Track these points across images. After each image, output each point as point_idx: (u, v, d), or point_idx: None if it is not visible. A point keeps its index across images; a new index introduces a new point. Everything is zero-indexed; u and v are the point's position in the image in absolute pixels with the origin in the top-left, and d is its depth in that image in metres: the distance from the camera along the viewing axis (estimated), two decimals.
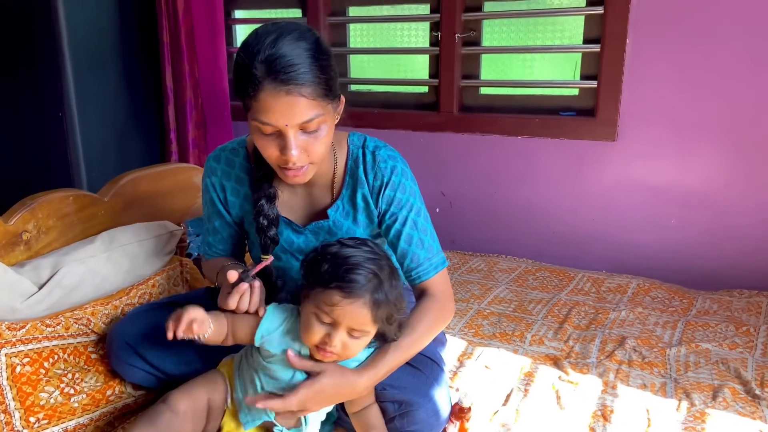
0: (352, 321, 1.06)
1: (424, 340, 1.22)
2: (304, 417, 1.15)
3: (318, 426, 1.20)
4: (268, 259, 1.18)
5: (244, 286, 1.12)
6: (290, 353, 1.11)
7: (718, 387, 1.40)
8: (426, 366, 1.24)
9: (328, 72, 1.09)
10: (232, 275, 1.11)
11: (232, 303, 1.11)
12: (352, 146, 1.27)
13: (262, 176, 1.23)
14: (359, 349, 1.12)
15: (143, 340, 1.31)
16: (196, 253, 2.36)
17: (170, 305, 1.38)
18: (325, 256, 1.09)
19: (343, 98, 1.17)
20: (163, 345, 1.30)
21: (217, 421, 1.18)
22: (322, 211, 1.28)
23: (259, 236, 1.24)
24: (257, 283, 1.14)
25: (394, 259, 1.26)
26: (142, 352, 1.31)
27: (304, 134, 1.09)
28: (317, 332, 1.07)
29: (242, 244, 1.42)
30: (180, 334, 1.09)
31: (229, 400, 1.19)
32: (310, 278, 1.10)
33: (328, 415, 1.25)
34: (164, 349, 1.31)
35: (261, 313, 1.15)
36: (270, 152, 1.12)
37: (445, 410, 1.22)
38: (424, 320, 1.20)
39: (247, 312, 1.14)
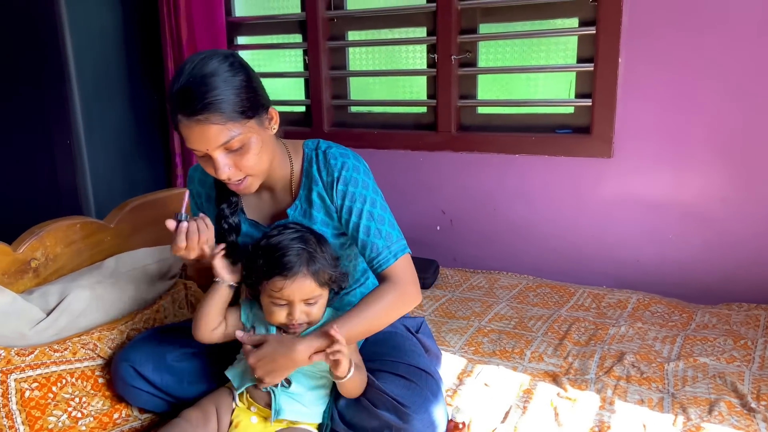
0: (302, 294, 1.21)
1: (377, 321, 1.27)
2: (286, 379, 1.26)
3: (303, 397, 1.27)
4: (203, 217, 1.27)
5: (183, 225, 1.21)
6: (238, 333, 1.27)
7: (715, 401, 1.41)
8: (421, 378, 1.27)
9: (242, 93, 1.15)
10: (170, 223, 1.21)
11: (180, 242, 1.21)
12: (307, 150, 1.34)
13: (225, 185, 1.29)
14: (322, 310, 1.27)
15: (147, 362, 1.35)
16: None
17: (174, 330, 1.43)
18: (257, 252, 1.23)
19: (271, 110, 1.24)
20: (167, 367, 1.35)
21: (226, 423, 1.27)
22: (283, 211, 1.36)
23: (221, 239, 1.32)
24: (200, 223, 1.23)
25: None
26: (146, 374, 1.34)
27: (230, 153, 1.18)
28: (280, 314, 1.23)
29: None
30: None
31: (236, 399, 1.28)
32: (254, 275, 1.25)
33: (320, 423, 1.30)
34: (168, 371, 1.35)
35: (206, 251, 1.25)
36: (209, 171, 1.21)
37: (441, 424, 1.25)
38: (377, 303, 1.26)
39: (201, 258, 1.26)
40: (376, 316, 1.26)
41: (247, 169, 1.20)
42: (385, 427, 1.21)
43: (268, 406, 1.25)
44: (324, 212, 1.33)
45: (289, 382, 1.25)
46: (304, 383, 1.27)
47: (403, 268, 1.30)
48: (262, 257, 1.21)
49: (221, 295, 1.27)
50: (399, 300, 1.29)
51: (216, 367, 1.37)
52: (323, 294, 1.25)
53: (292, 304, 1.21)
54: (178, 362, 1.36)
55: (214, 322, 1.28)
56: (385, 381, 1.24)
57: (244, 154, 1.18)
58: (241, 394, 1.29)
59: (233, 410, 1.28)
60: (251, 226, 1.38)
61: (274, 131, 1.26)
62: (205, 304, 1.27)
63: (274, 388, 1.25)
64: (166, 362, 1.35)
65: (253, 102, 1.17)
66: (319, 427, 1.30)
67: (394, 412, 1.20)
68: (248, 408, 1.27)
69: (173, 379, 1.36)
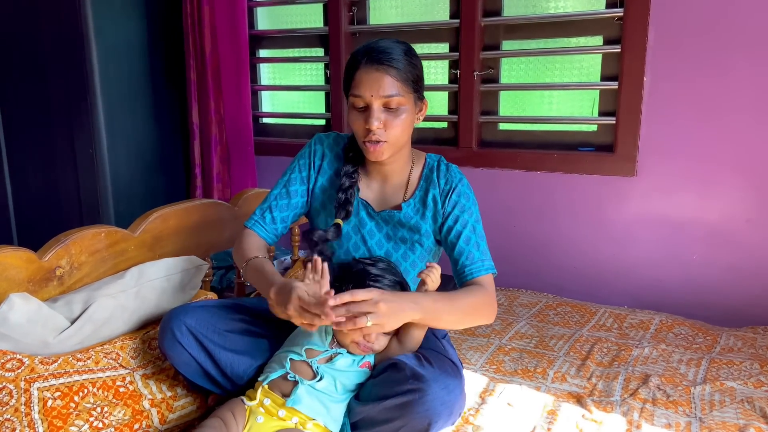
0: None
1: (466, 315, 1.36)
2: (317, 367, 1.30)
3: (331, 386, 1.30)
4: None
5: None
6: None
7: (744, 426, 1.38)
8: (441, 359, 1.33)
9: (414, 69, 1.37)
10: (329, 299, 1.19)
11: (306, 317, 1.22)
12: (429, 159, 1.52)
13: (354, 156, 1.48)
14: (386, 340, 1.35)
15: (200, 321, 1.37)
16: (219, 286, 2.40)
17: (230, 306, 1.46)
18: (349, 274, 1.35)
19: (426, 101, 1.44)
20: (217, 330, 1.38)
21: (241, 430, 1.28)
22: (397, 204, 1.49)
23: (336, 206, 1.45)
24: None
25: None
26: (196, 332, 1.35)
27: (385, 111, 1.35)
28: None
29: (290, 222, 1.55)
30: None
31: (246, 402, 1.30)
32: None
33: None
34: (218, 333, 1.37)
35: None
36: (358, 125, 1.37)
37: (459, 398, 1.25)
38: (470, 298, 1.36)
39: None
40: (465, 310, 1.35)
41: (390, 133, 1.35)
42: (401, 393, 1.19)
43: (287, 397, 1.27)
44: (432, 215, 1.47)
45: (321, 377, 1.29)
46: (335, 386, 1.29)
47: (491, 283, 1.43)
48: (352, 279, 1.32)
49: None
50: (486, 306, 1.38)
51: (263, 346, 1.41)
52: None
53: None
54: (231, 331, 1.39)
55: None
56: (407, 357, 1.28)
57: (395, 118, 1.35)
58: (253, 392, 1.31)
59: (246, 418, 1.29)
60: (362, 206, 1.49)
61: (419, 121, 1.44)
62: None
63: (300, 379, 1.28)
64: (219, 327, 1.38)
65: (418, 82, 1.38)
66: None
67: (413, 378, 1.20)
68: (259, 405, 1.28)
69: (224, 343, 1.37)
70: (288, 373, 1.30)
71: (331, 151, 1.53)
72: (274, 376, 1.30)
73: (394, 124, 1.35)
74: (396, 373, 1.23)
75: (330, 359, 1.32)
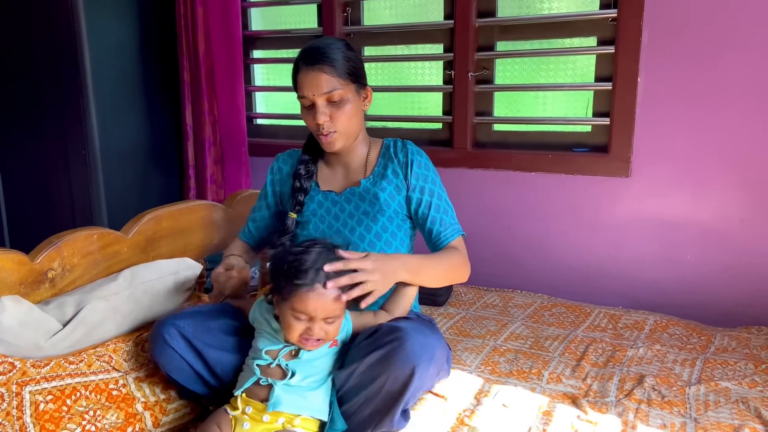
0: (324, 311, 1.24)
1: (446, 273, 1.51)
2: (286, 364, 1.28)
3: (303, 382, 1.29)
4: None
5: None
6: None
7: (739, 427, 1.38)
8: (420, 320, 1.42)
9: (350, 62, 1.47)
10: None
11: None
12: (387, 140, 1.64)
13: (312, 148, 1.62)
14: (338, 330, 1.31)
15: (190, 324, 1.37)
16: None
17: (217, 311, 1.46)
18: (282, 267, 1.27)
19: (369, 88, 1.55)
20: (209, 329, 1.39)
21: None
22: (357, 182, 1.60)
23: (292, 197, 1.59)
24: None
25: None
26: (187, 334, 1.35)
27: (330, 105, 1.46)
28: (299, 328, 1.25)
29: (266, 233, 1.72)
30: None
31: (230, 411, 1.29)
32: (279, 291, 1.28)
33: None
34: (210, 333, 1.38)
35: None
36: (309, 122, 1.50)
37: (438, 342, 1.30)
38: (450, 258, 1.50)
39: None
40: (447, 269, 1.49)
41: (338, 123, 1.47)
42: (380, 346, 1.22)
43: (266, 401, 1.26)
44: (394, 186, 1.56)
45: (293, 373, 1.28)
46: (310, 376, 1.29)
47: (463, 244, 1.57)
48: (286, 272, 1.25)
49: None
50: (462, 265, 1.52)
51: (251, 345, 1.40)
52: (341, 314, 1.30)
53: (314, 320, 1.25)
54: (220, 330, 1.40)
55: None
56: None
57: (340, 109, 1.46)
58: (235, 400, 1.29)
59: (232, 427, 1.28)
60: (324, 195, 1.60)
61: (366, 108, 1.56)
62: None
63: (273, 381, 1.27)
64: (209, 327, 1.39)
65: (356, 72, 1.49)
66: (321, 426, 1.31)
67: (390, 332, 1.24)
68: (242, 413, 1.27)
69: (213, 342, 1.37)
70: (260, 378, 1.29)
71: (286, 164, 1.68)
72: (247, 384, 1.29)
73: (339, 114, 1.47)
74: (373, 334, 1.28)
75: (296, 354, 1.31)
